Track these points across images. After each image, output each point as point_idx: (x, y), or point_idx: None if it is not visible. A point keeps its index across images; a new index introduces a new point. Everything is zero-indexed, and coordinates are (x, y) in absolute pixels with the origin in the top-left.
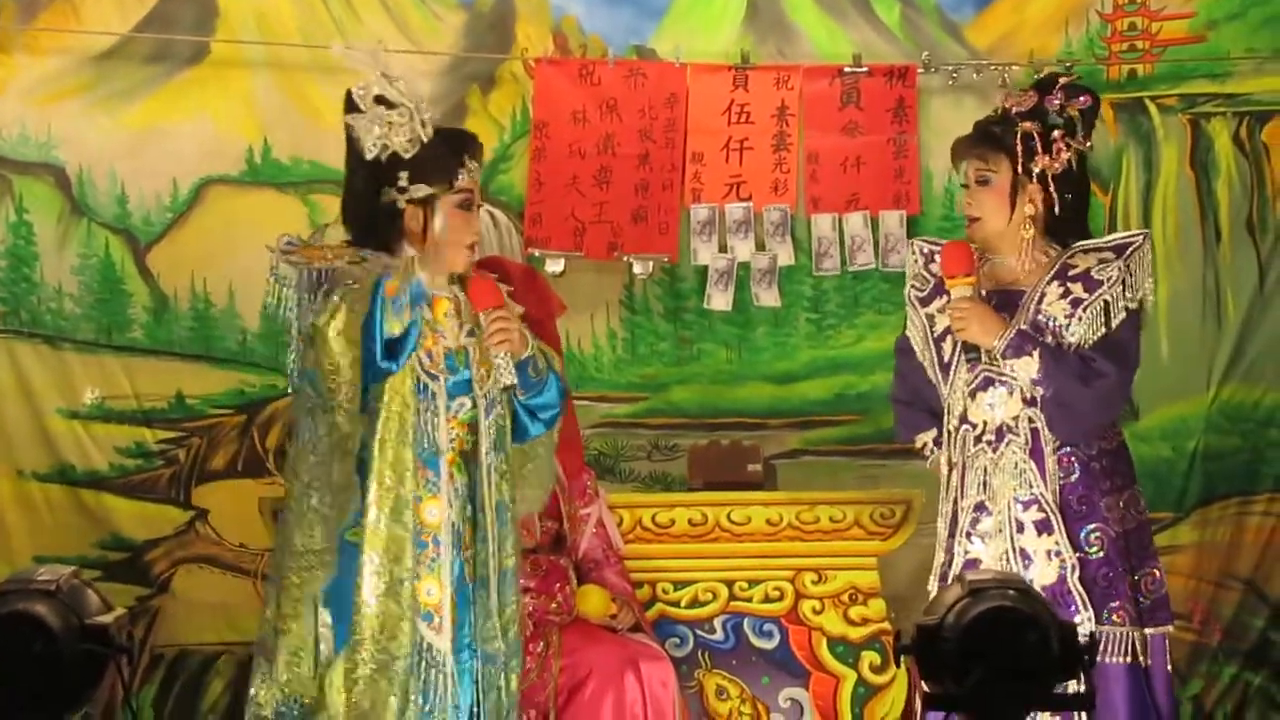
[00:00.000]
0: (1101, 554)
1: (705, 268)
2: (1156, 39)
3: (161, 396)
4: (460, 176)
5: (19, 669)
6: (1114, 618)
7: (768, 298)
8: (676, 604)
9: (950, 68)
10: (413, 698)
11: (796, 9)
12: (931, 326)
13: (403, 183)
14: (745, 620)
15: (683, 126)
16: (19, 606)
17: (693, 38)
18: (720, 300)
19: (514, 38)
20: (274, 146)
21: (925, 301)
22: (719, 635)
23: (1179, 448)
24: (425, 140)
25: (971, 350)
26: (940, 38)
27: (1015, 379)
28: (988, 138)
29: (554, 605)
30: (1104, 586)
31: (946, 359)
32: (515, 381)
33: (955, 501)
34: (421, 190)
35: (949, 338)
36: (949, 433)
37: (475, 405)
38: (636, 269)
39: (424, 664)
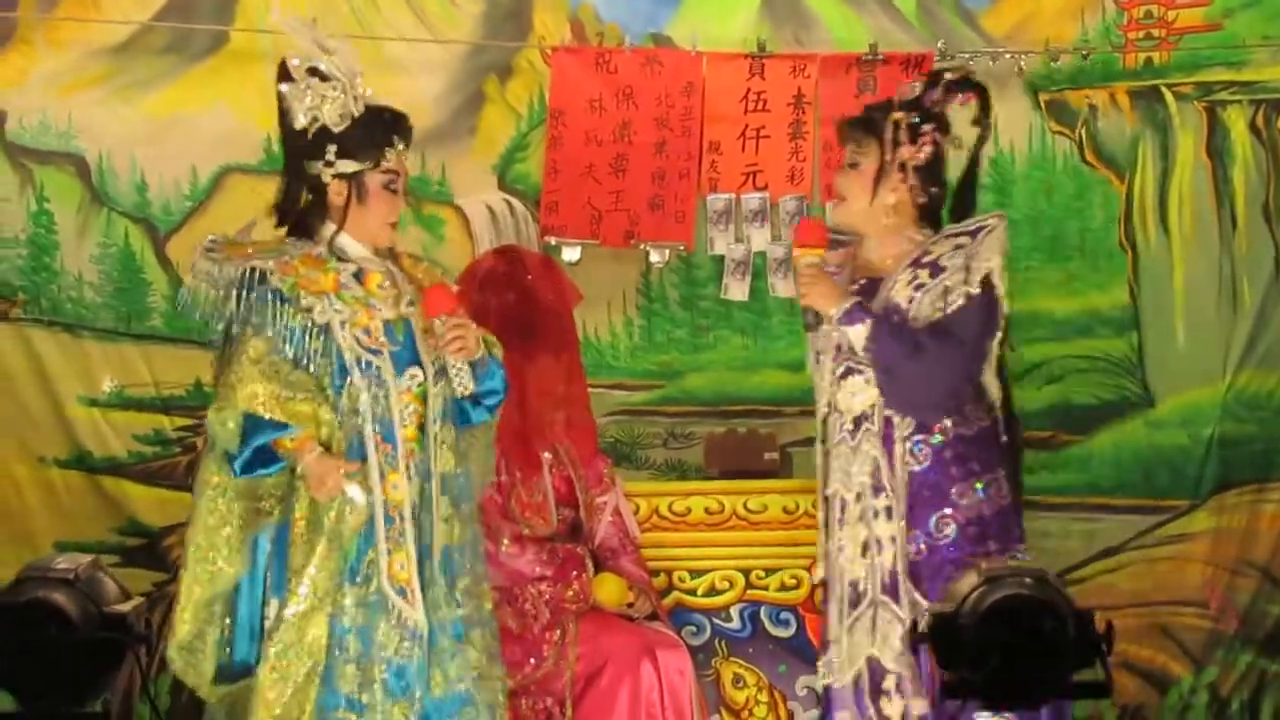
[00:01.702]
0: (949, 539)
1: (722, 256)
2: (1173, 27)
3: (180, 384)
4: (387, 156)
5: (38, 656)
6: None
7: (784, 287)
8: (693, 592)
9: (966, 56)
10: (382, 673)
11: None
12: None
13: (329, 157)
14: (762, 608)
15: (699, 115)
16: (38, 594)
17: (709, 25)
18: (737, 290)
19: (531, 26)
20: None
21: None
22: (736, 623)
23: (1195, 435)
24: (356, 116)
25: (810, 314)
26: (956, 25)
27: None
28: (862, 123)
29: (570, 593)
30: (951, 573)
31: (819, 348)
32: (475, 388)
33: (825, 489)
34: (348, 166)
35: (821, 330)
36: (821, 421)
37: (425, 377)
38: (653, 257)
39: (400, 637)
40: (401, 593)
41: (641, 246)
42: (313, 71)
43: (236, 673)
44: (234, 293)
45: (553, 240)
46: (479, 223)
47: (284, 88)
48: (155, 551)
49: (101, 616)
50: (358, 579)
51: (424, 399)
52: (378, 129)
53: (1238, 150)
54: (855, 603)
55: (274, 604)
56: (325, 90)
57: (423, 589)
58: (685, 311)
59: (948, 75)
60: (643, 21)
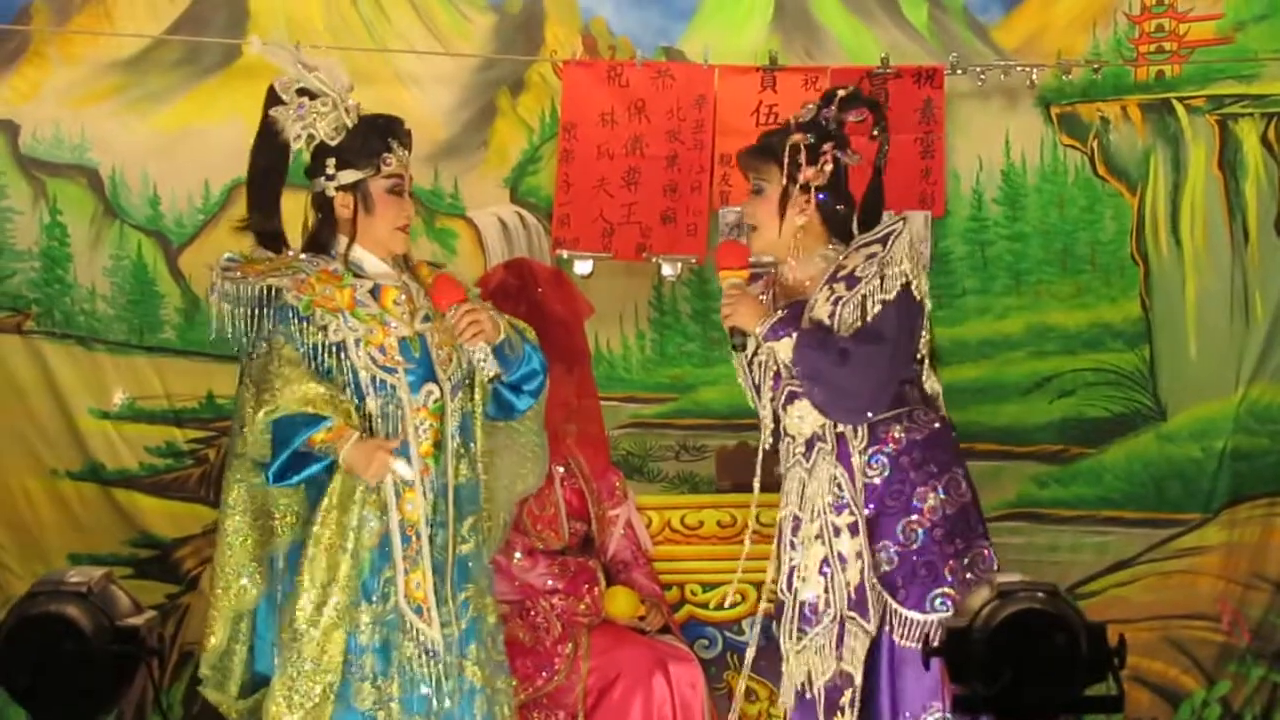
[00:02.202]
0: (918, 545)
1: None
2: (1184, 40)
3: (192, 396)
4: (387, 160)
5: (51, 670)
6: (937, 604)
7: None
8: (705, 605)
9: (978, 69)
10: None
11: (824, 9)
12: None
13: (330, 170)
14: (774, 622)
15: (711, 128)
16: (51, 608)
17: (721, 38)
18: None
19: (543, 39)
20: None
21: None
22: (747, 637)
23: (1207, 448)
24: (350, 127)
25: (737, 336)
26: (967, 38)
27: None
28: (762, 149)
29: (582, 607)
30: (924, 575)
31: (756, 380)
32: (499, 371)
33: (781, 509)
34: (350, 175)
35: (756, 359)
36: (773, 445)
37: (442, 393)
38: (665, 270)
39: (417, 656)
40: (419, 611)
41: (653, 260)
42: (301, 91)
43: (258, 685)
44: (255, 310)
45: (565, 253)
46: (491, 235)
47: (274, 112)
48: (167, 564)
49: (114, 630)
50: (374, 598)
51: (441, 415)
52: (373, 136)
53: (1249, 163)
54: (809, 622)
55: (287, 621)
56: (317, 107)
57: (439, 605)
58: (697, 325)
59: (840, 93)
60: (654, 35)
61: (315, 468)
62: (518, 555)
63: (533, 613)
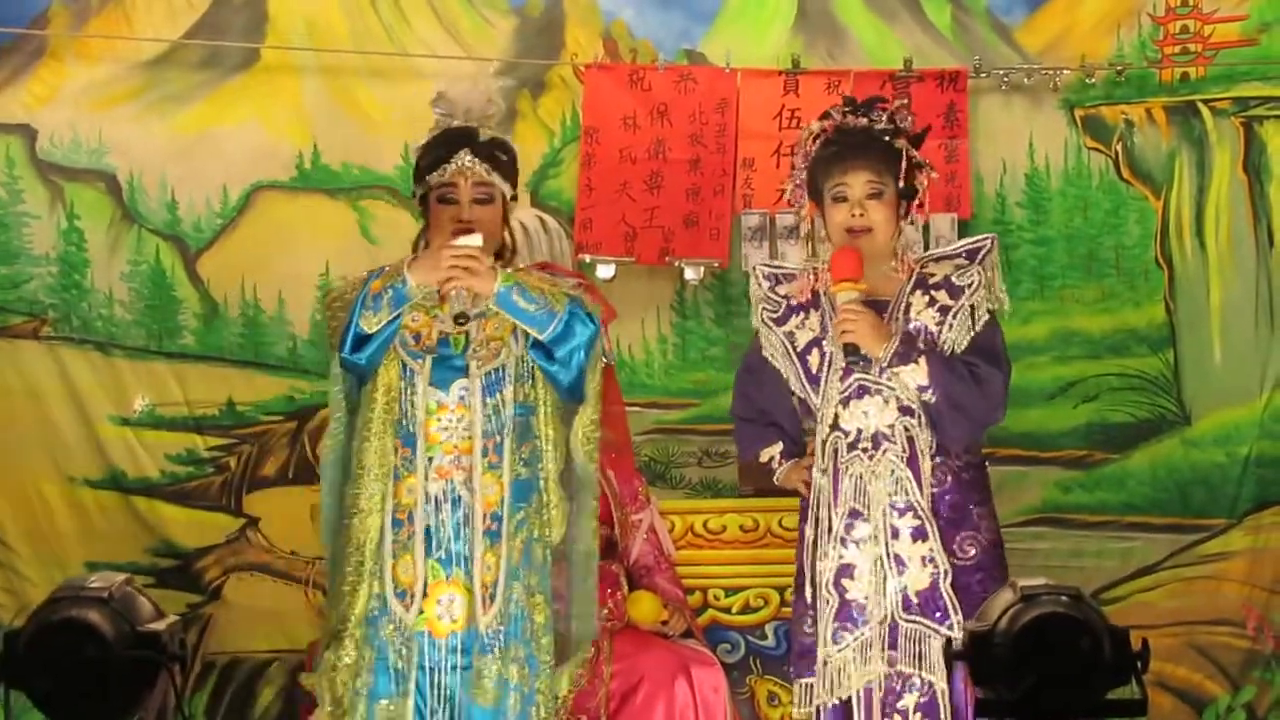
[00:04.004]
0: (974, 561)
1: None
2: (1209, 42)
3: (212, 403)
4: (443, 171)
5: (72, 675)
6: None
7: None
8: (728, 610)
9: (1001, 72)
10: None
11: (846, 11)
12: (793, 343)
13: (414, 186)
14: (793, 624)
15: (733, 131)
16: (72, 613)
17: (743, 42)
18: None
19: (564, 42)
20: (324, 152)
21: (780, 321)
22: (770, 641)
23: (1232, 453)
24: (421, 145)
25: (853, 353)
26: (991, 40)
27: (892, 388)
28: (880, 151)
29: (605, 611)
30: (979, 593)
31: (815, 371)
32: (465, 307)
33: (829, 507)
34: (418, 190)
35: (814, 350)
36: (821, 441)
37: (473, 386)
38: (688, 274)
39: (400, 643)
40: (402, 596)
41: (676, 264)
42: (436, 102)
43: None
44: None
45: (587, 258)
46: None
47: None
48: (189, 573)
49: (135, 635)
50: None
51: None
52: (432, 150)
53: (1275, 166)
54: (855, 622)
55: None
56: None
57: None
58: (720, 329)
59: (898, 103)
60: (675, 38)
61: (389, 329)
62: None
63: None
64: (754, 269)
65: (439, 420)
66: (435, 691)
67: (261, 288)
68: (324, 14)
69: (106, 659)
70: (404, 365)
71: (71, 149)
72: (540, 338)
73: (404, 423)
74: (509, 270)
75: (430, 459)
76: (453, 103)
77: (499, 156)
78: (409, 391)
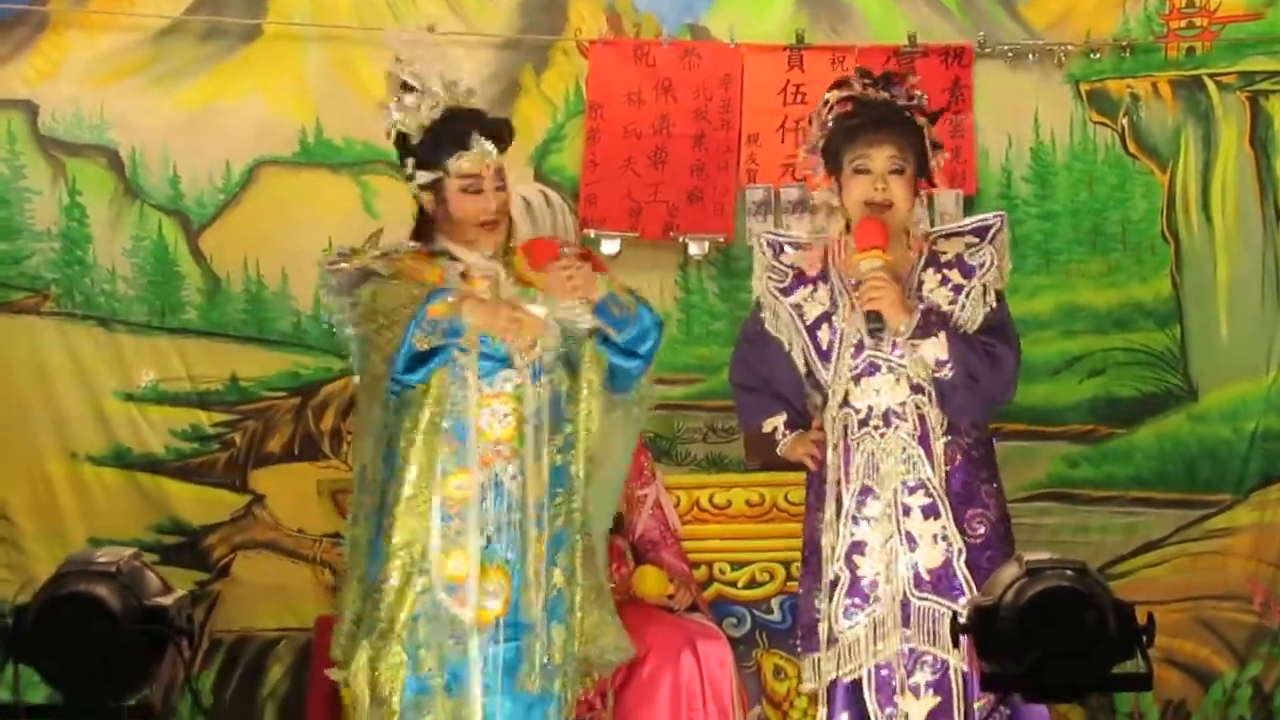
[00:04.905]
0: (983, 539)
1: None
2: (1215, 16)
3: (216, 379)
4: (461, 160)
5: (79, 650)
6: None
7: None
8: (734, 584)
9: (1006, 47)
10: (430, 669)
11: None
12: (800, 315)
13: (409, 170)
14: (799, 599)
15: (738, 107)
16: (79, 588)
17: (746, 16)
18: None
19: (567, 18)
20: (326, 127)
21: (787, 292)
22: (776, 615)
23: (1238, 429)
24: (430, 124)
25: (875, 321)
26: (996, 15)
27: (903, 365)
28: (903, 127)
29: (611, 586)
30: (988, 569)
31: (825, 346)
32: (598, 324)
33: (838, 484)
34: (425, 176)
35: (824, 324)
36: (831, 417)
37: (520, 378)
38: (692, 249)
39: (449, 638)
40: (454, 590)
41: (680, 239)
42: (403, 85)
43: None
44: (349, 294)
45: (591, 232)
46: (516, 213)
47: (380, 101)
48: (196, 550)
49: (143, 609)
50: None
51: (520, 400)
52: (446, 136)
53: None
54: (866, 598)
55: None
56: (408, 101)
57: (521, 589)
58: (724, 304)
59: (912, 79)
60: (679, 12)
61: (440, 357)
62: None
63: None
64: (758, 237)
65: (488, 412)
66: (483, 680)
67: (264, 263)
68: None
69: (114, 633)
70: (452, 360)
71: (73, 124)
72: (618, 340)
73: (453, 417)
74: (604, 276)
75: (479, 452)
76: (422, 75)
77: (506, 139)
78: (458, 386)
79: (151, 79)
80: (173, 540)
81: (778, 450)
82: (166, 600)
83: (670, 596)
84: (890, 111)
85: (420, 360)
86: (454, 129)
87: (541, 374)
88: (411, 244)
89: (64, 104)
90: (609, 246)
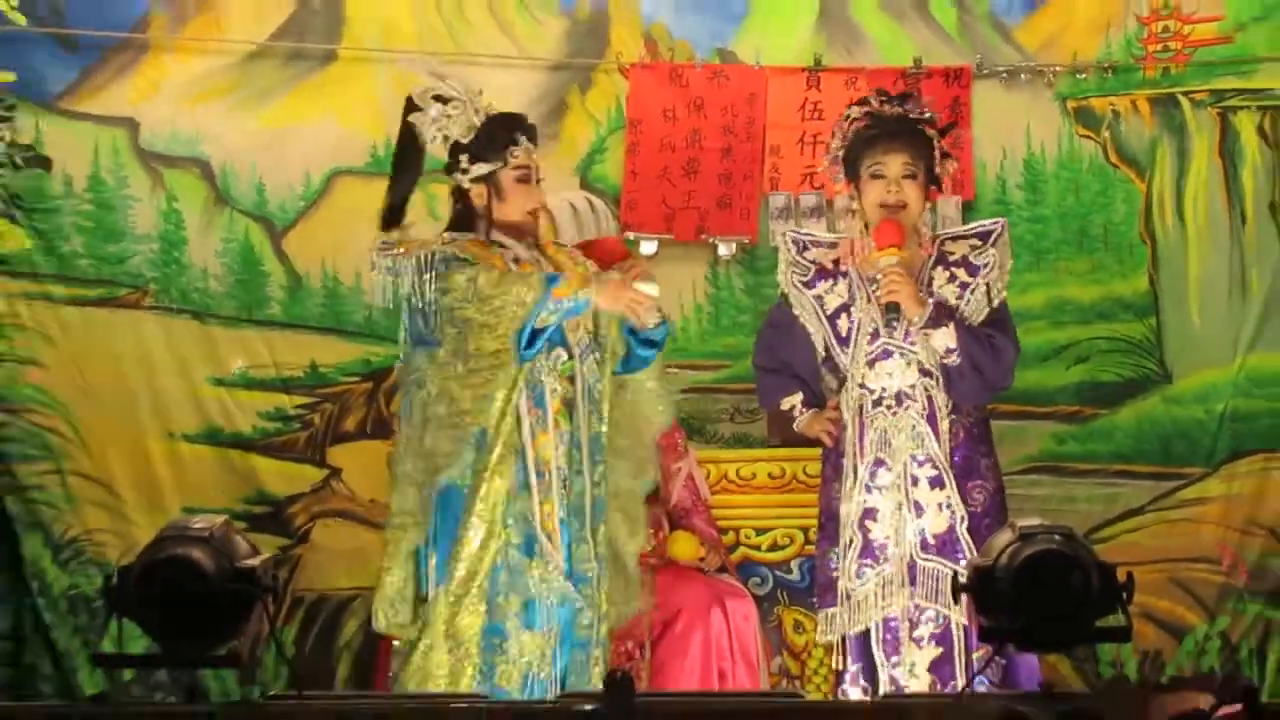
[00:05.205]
0: (982, 508)
1: None
2: (1188, 40)
3: (298, 366)
4: (514, 153)
5: (177, 606)
6: None
7: None
8: (758, 548)
9: (1001, 69)
10: (515, 609)
11: (862, 13)
12: (822, 306)
13: (464, 165)
14: (816, 561)
15: (762, 122)
16: (177, 551)
17: (770, 41)
18: None
19: (609, 42)
20: (395, 141)
21: (809, 285)
22: (796, 575)
23: (1209, 410)
24: (479, 125)
25: (892, 311)
26: (992, 39)
27: (914, 351)
28: (916, 137)
29: (648, 549)
30: (986, 535)
31: (844, 334)
32: (659, 319)
33: (854, 457)
34: (482, 169)
35: (844, 314)
36: (848, 397)
37: (571, 356)
38: (721, 250)
39: (540, 577)
40: (549, 538)
41: (710, 240)
42: (436, 98)
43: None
44: (416, 275)
45: (631, 235)
46: (563, 219)
47: (413, 118)
48: (280, 519)
49: (233, 570)
50: (510, 522)
51: (571, 378)
52: (500, 131)
53: (1247, 152)
54: (876, 559)
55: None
56: (449, 111)
57: (574, 544)
58: (749, 299)
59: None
60: (710, 38)
61: (549, 333)
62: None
63: None
64: (784, 235)
65: (557, 379)
66: (551, 626)
67: (340, 262)
68: (394, 16)
69: (208, 592)
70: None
71: (170, 139)
72: (655, 339)
73: (534, 385)
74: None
75: (556, 417)
76: (454, 99)
77: (536, 140)
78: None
79: (240, 99)
80: (259, 510)
81: (795, 426)
82: (254, 562)
83: (701, 559)
84: (903, 124)
85: (537, 336)
86: (506, 125)
87: (587, 354)
88: (462, 235)
89: (162, 121)
90: (647, 247)
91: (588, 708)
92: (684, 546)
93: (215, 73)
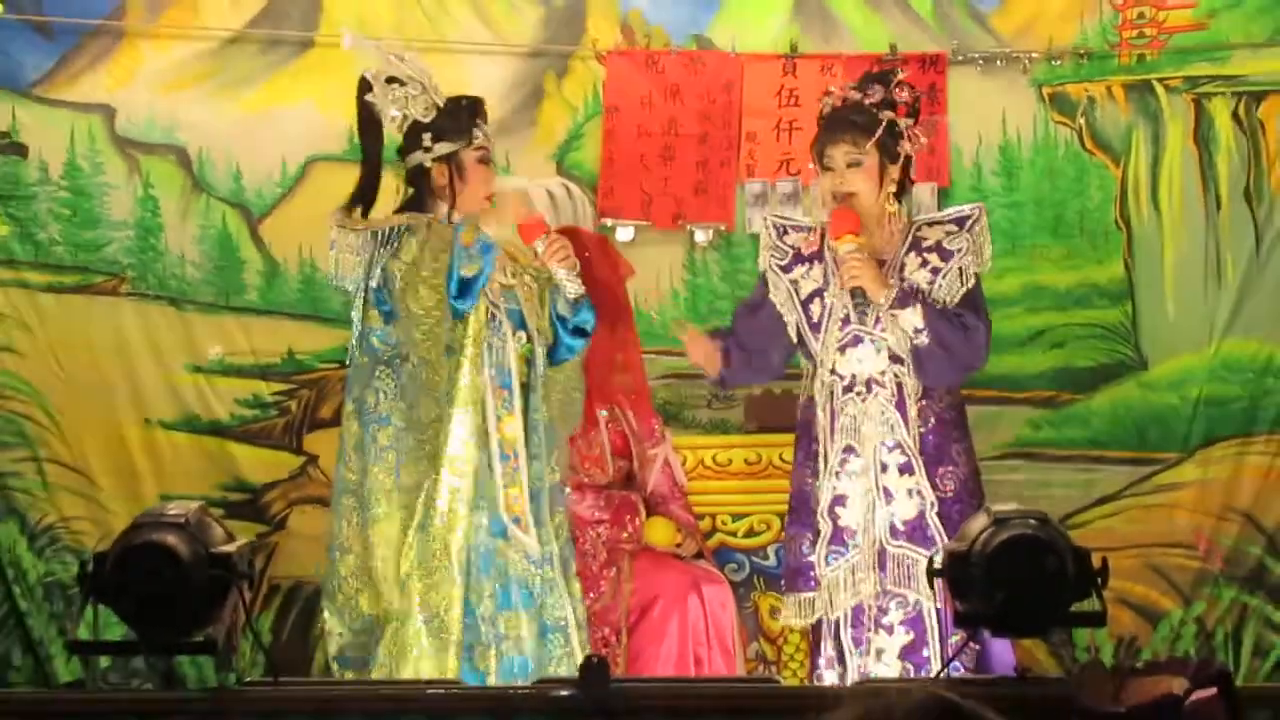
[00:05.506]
0: (953, 493)
1: (758, 235)
2: (1163, 26)
3: (275, 353)
4: (476, 134)
5: (151, 593)
6: None
7: None
8: (734, 534)
9: (977, 56)
10: (488, 591)
11: (838, 0)
12: (797, 290)
13: (427, 143)
14: (787, 547)
15: (738, 109)
16: (152, 537)
17: (746, 29)
18: None
19: (585, 29)
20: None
21: (786, 269)
22: (772, 561)
23: (1184, 395)
24: (440, 106)
25: (859, 297)
26: (968, 25)
27: (884, 337)
28: (856, 126)
29: (625, 535)
30: (958, 521)
31: (816, 319)
32: (583, 291)
33: (824, 443)
34: (445, 147)
35: (816, 300)
36: (821, 383)
37: (530, 340)
38: (698, 236)
39: (514, 560)
40: (516, 522)
41: (687, 227)
42: (391, 80)
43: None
44: (372, 253)
45: (609, 221)
46: (540, 205)
47: (370, 98)
48: (256, 506)
49: (209, 556)
50: (481, 504)
51: (528, 361)
52: (463, 112)
53: (1221, 138)
54: (846, 546)
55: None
56: (407, 92)
57: (537, 526)
58: (726, 285)
59: (899, 75)
60: (686, 24)
61: (481, 282)
62: (567, 490)
63: (581, 541)
64: (765, 219)
65: (518, 361)
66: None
67: (318, 249)
68: (372, 3)
69: (183, 577)
70: (490, 314)
71: (147, 126)
72: (586, 328)
73: (497, 366)
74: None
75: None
76: (411, 80)
77: None
78: (499, 339)
79: (217, 85)
80: (236, 497)
81: (686, 345)
82: (230, 548)
83: (678, 545)
84: (849, 112)
85: (466, 287)
86: (468, 107)
87: (536, 339)
88: (424, 215)
89: (139, 108)
90: (623, 234)
91: (564, 693)
92: (660, 532)
93: (192, 60)
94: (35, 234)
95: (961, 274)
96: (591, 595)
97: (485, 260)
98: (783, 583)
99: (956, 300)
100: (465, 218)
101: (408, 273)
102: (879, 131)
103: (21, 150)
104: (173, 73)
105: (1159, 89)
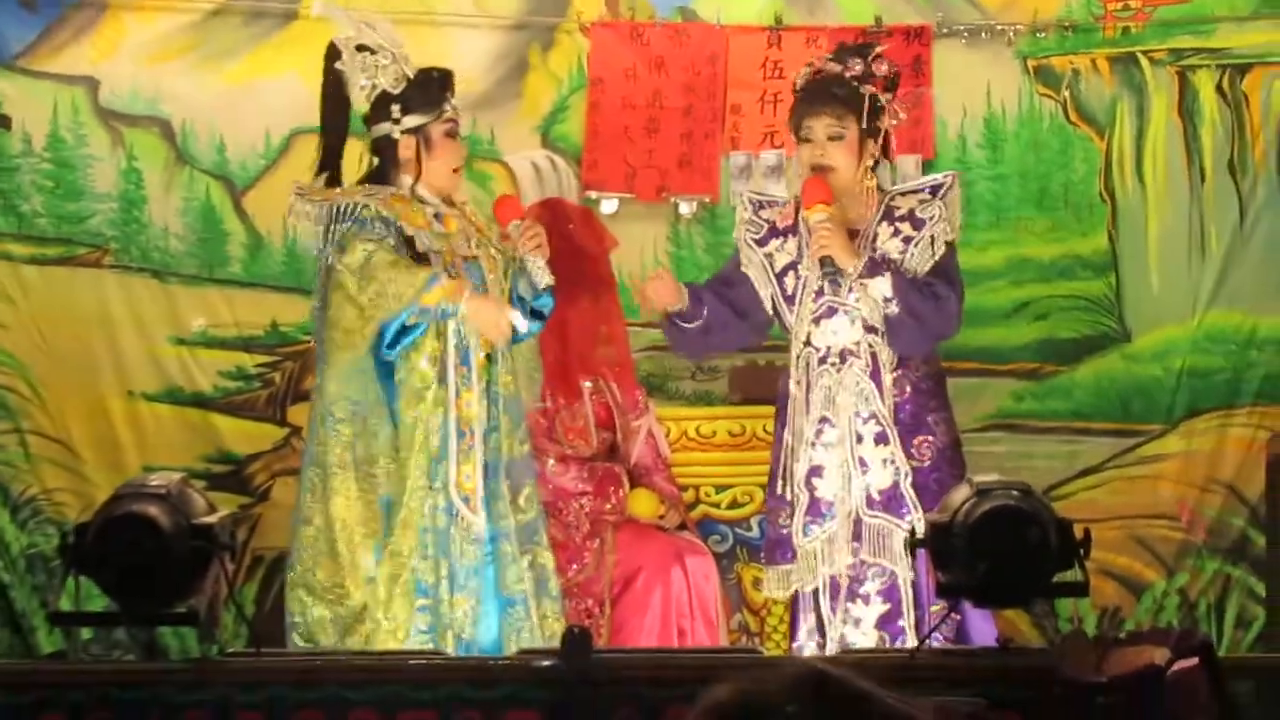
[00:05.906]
0: (930, 462)
1: None
2: None
3: (258, 325)
4: (445, 108)
5: (133, 564)
6: None
7: None
8: (717, 505)
9: (962, 28)
10: (444, 573)
11: None
12: (771, 264)
13: (396, 115)
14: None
15: (723, 82)
16: (133, 508)
17: (731, 0)
18: None
19: (570, 1)
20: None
21: (761, 243)
22: (755, 533)
23: (1168, 367)
24: (410, 77)
25: (829, 267)
26: None
27: (858, 308)
28: (838, 99)
29: (608, 507)
30: (936, 490)
31: (790, 291)
32: (552, 281)
33: (801, 414)
34: (414, 120)
35: (790, 273)
36: (795, 355)
37: None
38: (682, 209)
39: (461, 540)
40: (466, 500)
41: (671, 199)
42: (361, 48)
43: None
44: (329, 225)
45: (593, 194)
46: (525, 178)
47: (340, 65)
48: (240, 477)
49: (191, 528)
50: (435, 484)
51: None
52: (433, 85)
53: (1206, 111)
54: (823, 516)
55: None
56: (377, 61)
57: (490, 500)
58: (710, 257)
59: (878, 49)
60: None
61: (418, 333)
62: (551, 461)
63: (564, 512)
64: (740, 194)
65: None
66: (477, 582)
67: None
68: None
69: (164, 549)
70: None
71: (130, 98)
72: (545, 312)
73: (459, 341)
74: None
75: (480, 371)
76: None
77: None
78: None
79: (200, 58)
80: (219, 469)
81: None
82: (211, 519)
83: (661, 517)
84: (831, 84)
85: (404, 333)
86: (438, 79)
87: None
88: (383, 188)
89: (122, 80)
90: (608, 206)
91: (545, 663)
92: (644, 504)
93: (175, 32)
94: (18, 206)
95: (933, 242)
96: (575, 567)
97: (427, 321)
98: (763, 555)
99: (928, 269)
100: (448, 281)
101: (343, 276)
102: (863, 106)
103: (5, 122)
104: (156, 45)
105: (1144, 62)
